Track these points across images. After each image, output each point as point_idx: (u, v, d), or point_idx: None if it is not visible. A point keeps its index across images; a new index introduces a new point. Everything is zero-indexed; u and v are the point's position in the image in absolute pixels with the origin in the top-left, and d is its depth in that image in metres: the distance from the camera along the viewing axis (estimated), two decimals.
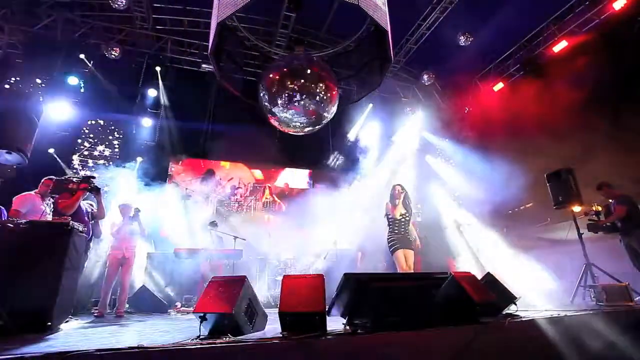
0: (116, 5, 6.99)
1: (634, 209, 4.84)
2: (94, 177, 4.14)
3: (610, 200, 5.11)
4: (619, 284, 4.27)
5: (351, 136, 10.39)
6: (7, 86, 7.01)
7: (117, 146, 8.04)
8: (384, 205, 4.72)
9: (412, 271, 4.42)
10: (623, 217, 4.83)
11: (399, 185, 4.74)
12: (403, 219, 4.54)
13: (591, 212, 5.18)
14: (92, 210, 4.44)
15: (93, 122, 7.95)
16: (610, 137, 6.10)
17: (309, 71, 4.80)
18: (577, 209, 5.23)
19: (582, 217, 5.26)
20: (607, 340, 2.57)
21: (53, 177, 4.20)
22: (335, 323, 2.45)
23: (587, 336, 2.53)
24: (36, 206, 3.92)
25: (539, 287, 6.06)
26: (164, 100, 8.50)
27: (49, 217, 3.92)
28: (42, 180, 4.18)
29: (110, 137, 8.05)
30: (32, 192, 4.04)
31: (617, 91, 6.29)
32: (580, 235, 5.05)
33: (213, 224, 6.77)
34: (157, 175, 8.08)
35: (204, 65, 8.80)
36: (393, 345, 1.95)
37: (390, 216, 4.59)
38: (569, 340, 2.43)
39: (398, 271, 4.36)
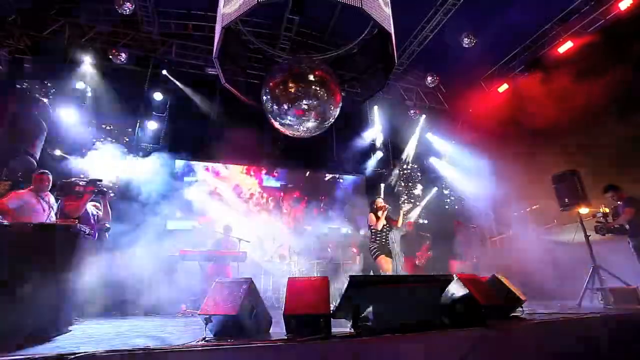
0: (122, 11, 7.08)
1: None
2: (100, 180, 4.15)
3: (618, 202, 5.05)
4: (627, 287, 4.22)
5: (359, 139, 10.39)
6: (15, 91, 7.11)
7: (123, 149, 8.11)
8: (368, 217, 5.15)
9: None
10: (631, 219, 4.78)
11: (380, 199, 5.22)
12: (384, 230, 4.98)
13: (598, 214, 5.12)
14: (97, 213, 4.46)
15: (100, 125, 8.02)
16: (617, 138, 6.05)
17: (312, 74, 4.81)
18: (583, 210, 5.18)
19: (589, 219, 5.21)
20: (616, 343, 2.54)
21: (45, 170, 4.00)
22: (340, 325, 2.44)
23: (595, 339, 2.49)
24: (30, 204, 3.67)
25: (546, 290, 6.01)
26: (168, 104, 8.58)
27: (52, 217, 3.84)
28: (33, 176, 3.92)
29: (116, 141, 8.12)
30: (25, 190, 3.82)
31: (623, 92, 6.22)
32: (587, 237, 5.00)
33: (227, 228, 6.80)
34: (162, 177, 8.14)
35: (208, 69, 8.87)
36: (398, 348, 1.94)
37: (372, 227, 4.99)
38: (576, 343, 2.40)
39: None
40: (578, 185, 5.20)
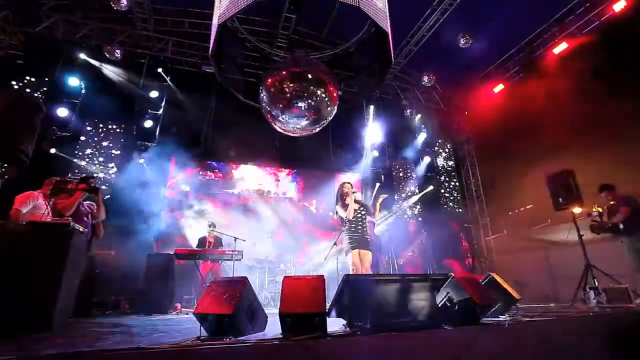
0: (118, 8, 7.00)
1: (637, 210, 4.82)
2: (92, 178, 4.12)
3: (612, 202, 5.10)
4: (619, 286, 4.27)
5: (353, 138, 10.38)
6: (8, 87, 7.01)
7: (117, 147, 8.04)
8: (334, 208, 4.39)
9: (369, 273, 4.11)
10: (627, 218, 4.82)
11: (348, 183, 4.44)
12: (358, 215, 4.23)
13: (594, 213, 5.17)
14: (92, 210, 4.43)
15: (94, 123, 7.96)
16: (611, 139, 6.11)
17: (309, 73, 4.80)
18: (577, 210, 5.23)
19: (582, 219, 5.26)
20: (607, 342, 2.56)
21: (57, 177, 4.13)
22: (336, 324, 2.44)
23: (588, 338, 2.52)
24: (39, 206, 3.79)
25: (540, 289, 6.07)
26: (164, 101, 8.52)
27: (49, 217, 3.87)
28: (45, 181, 4.04)
29: (111, 138, 8.05)
30: (35, 192, 3.92)
31: (617, 93, 6.29)
32: (580, 236, 5.05)
33: (212, 225, 6.78)
34: (158, 176, 8.08)
35: (204, 67, 8.82)
36: (393, 347, 1.95)
37: (343, 218, 4.27)
38: (569, 342, 2.43)
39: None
40: (572, 185, 5.24)
